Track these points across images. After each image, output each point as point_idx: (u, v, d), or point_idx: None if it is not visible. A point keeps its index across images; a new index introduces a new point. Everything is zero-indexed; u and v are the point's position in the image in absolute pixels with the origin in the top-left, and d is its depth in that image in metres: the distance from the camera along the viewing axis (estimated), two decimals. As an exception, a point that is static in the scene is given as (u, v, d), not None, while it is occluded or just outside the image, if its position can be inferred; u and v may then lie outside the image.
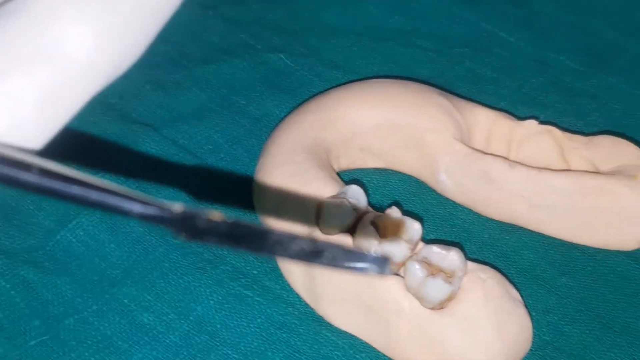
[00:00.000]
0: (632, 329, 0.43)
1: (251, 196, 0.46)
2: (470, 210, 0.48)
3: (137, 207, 0.22)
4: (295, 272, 0.42)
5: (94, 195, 0.22)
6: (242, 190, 0.47)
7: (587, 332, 0.43)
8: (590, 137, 0.48)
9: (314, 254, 0.21)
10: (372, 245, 0.39)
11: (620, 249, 0.46)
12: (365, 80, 0.51)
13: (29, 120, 0.26)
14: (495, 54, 0.59)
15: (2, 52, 0.26)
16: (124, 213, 0.22)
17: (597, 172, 0.47)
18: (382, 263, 0.21)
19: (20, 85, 0.26)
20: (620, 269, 0.46)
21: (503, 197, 0.46)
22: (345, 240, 0.40)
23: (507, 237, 0.47)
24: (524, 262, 0.46)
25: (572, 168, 0.48)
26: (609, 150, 0.47)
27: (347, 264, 0.21)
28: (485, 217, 0.47)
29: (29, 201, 0.46)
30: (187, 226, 0.21)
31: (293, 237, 0.21)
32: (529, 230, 0.47)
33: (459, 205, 0.48)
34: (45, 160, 0.23)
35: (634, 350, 0.42)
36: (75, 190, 0.22)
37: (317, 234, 0.41)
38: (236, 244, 0.21)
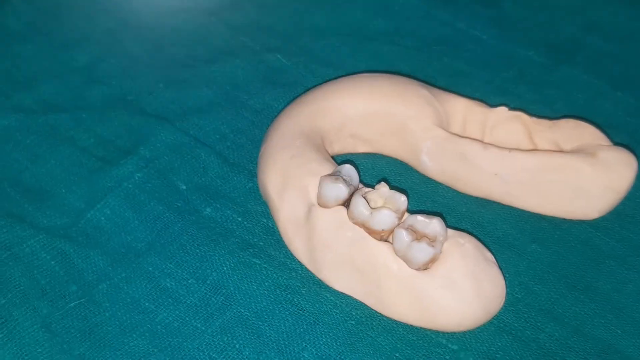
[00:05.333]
0: (593, 287, 0.44)
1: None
2: (450, 187, 0.49)
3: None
4: (297, 242, 0.44)
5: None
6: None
7: (554, 290, 0.44)
8: (554, 121, 0.49)
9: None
10: (364, 215, 0.40)
11: (583, 219, 0.47)
12: (354, 75, 0.52)
13: None
14: (469, 50, 0.60)
15: None
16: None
17: (561, 151, 0.47)
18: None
19: None
20: (583, 236, 0.47)
21: (478, 175, 0.47)
22: (341, 211, 0.42)
23: (483, 211, 0.48)
24: (498, 232, 0.47)
25: (538, 148, 0.48)
26: (571, 131, 0.48)
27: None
28: (463, 193, 0.48)
29: (61, 185, 0.48)
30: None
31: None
32: (502, 204, 0.48)
33: (440, 183, 0.49)
34: None
35: (595, 304, 0.43)
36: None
37: (315, 207, 0.43)
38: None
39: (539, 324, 0.43)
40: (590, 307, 0.44)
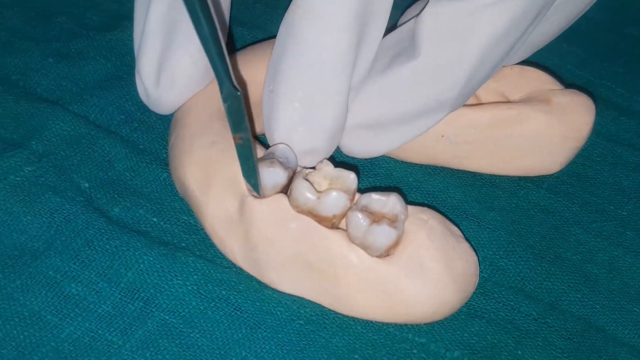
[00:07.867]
0: (562, 257, 0.41)
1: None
2: (391, 157, 0.44)
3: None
4: (231, 243, 0.37)
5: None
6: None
7: (522, 263, 0.40)
8: (496, 69, 0.45)
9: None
10: (310, 201, 0.35)
11: (544, 174, 0.44)
12: (272, 39, 0.44)
13: None
14: None
15: None
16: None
17: (509, 102, 0.43)
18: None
19: None
20: (543, 203, 0.43)
21: (423, 139, 0.42)
22: (281, 200, 0.36)
23: (431, 179, 0.43)
24: (452, 201, 0.43)
25: (483, 102, 0.44)
26: (517, 79, 0.44)
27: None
28: (407, 162, 0.44)
29: None
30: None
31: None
32: (451, 169, 0.44)
33: (381, 153, 0.44)
34: None
35: (568, 277, 0.40)
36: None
37: (249, 198, 0.36)
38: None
39: (512, 304, 0.39)
40: (563, 281, 0.40)
